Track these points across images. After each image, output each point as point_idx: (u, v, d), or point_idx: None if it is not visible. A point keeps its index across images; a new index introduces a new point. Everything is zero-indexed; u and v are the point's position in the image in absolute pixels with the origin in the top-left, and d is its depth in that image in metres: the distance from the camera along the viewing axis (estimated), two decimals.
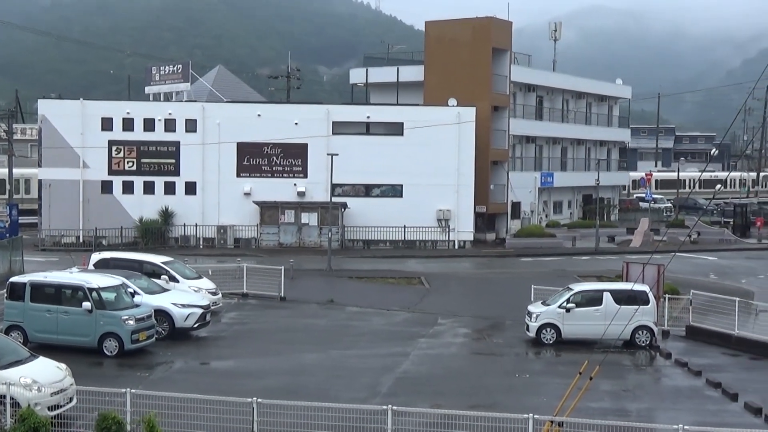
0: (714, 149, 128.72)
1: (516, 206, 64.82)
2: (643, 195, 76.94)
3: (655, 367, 28.20)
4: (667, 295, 33.40)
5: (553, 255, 55.59)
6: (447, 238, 57.85)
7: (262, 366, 26.16)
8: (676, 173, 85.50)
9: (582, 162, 75.59)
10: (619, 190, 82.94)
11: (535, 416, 16.61)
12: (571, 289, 30.98)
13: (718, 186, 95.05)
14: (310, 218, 56.19)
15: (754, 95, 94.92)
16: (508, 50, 63.59)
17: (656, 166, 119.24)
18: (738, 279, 46.57)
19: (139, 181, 57.04)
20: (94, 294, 26.48)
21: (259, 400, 17.39)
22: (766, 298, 38.75)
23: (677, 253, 46.56)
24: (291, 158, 57.39)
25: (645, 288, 30.16)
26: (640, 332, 29.84)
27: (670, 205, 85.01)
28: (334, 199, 52.28)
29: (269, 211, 56.37)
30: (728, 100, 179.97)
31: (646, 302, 29.85)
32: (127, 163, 57.05)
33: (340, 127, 57.65)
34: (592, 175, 64.85)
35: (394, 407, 17.12)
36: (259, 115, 57.35)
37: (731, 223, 70.67)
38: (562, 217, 71.64)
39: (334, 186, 51.13)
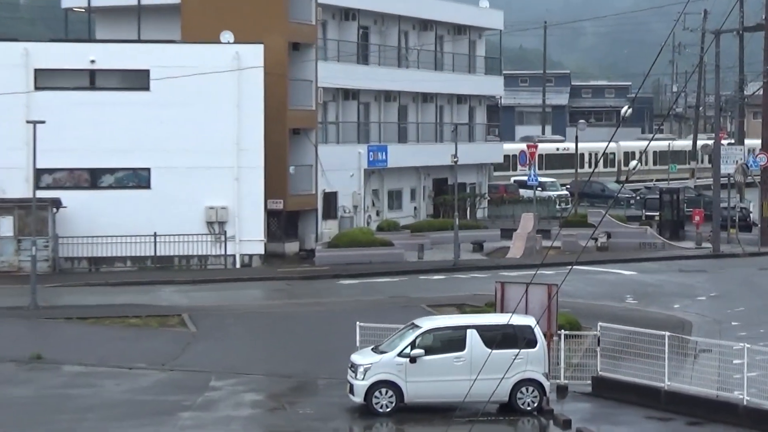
0: (628, 106, 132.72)
1: (331, 199, 65.19)
2: (525, 178, 78.50)
3: None
4: (563, 331, 34.14)
5: (390, 274, 56.39)
6: (223, 252, 57.75)
7: None
8: (574, 143, 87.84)
9: (431, 128, 76.69)
10: (488, 171, 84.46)
11: None
12: (417, 327, 31.31)
13: (634, 163, 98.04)
14: (1, 225, 55.10)
15: (685, 24, 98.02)
16: None
17: (544, 132, 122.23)
18: (668, 304, 48.15)
19: None
20: None
21: None
22: (709, 332, 40.13)
23: (576, 266, 47.74)
24: None
25: (530, 321, 30.75)
26: (523, 389, 30.47)
27: (566, 192, 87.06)
28: (41, 194, 51.35)
29: None
30: (647, 31, 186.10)
31: (532, 343, 30.47)
32: None
33: (47, 78, 56.94)
34: (448, 149, 65.80)
35: None
36: None
37: (657, 218, 72.86)
38: (403, 214, 72.55)
39: (39, 172, 50.23)
